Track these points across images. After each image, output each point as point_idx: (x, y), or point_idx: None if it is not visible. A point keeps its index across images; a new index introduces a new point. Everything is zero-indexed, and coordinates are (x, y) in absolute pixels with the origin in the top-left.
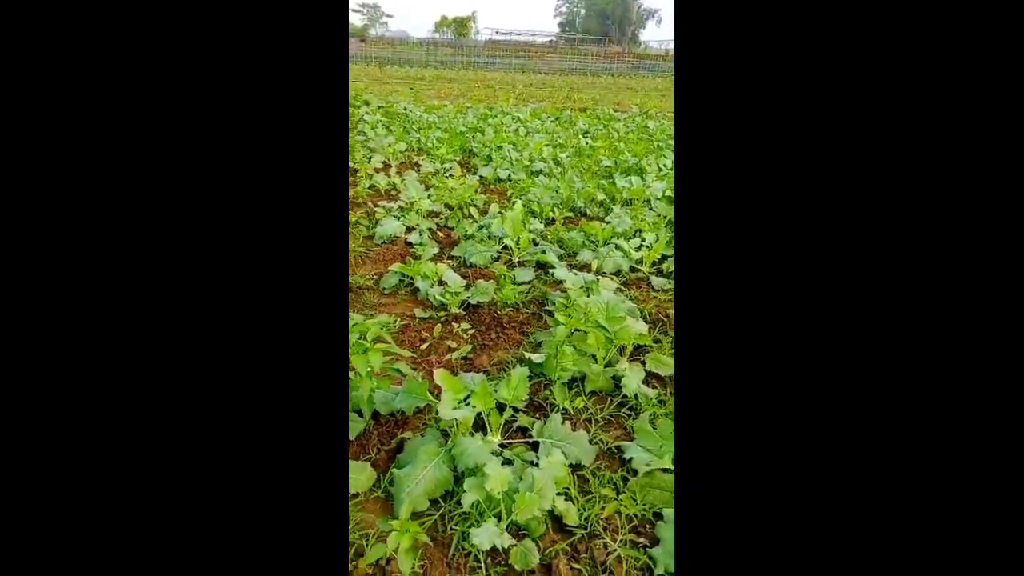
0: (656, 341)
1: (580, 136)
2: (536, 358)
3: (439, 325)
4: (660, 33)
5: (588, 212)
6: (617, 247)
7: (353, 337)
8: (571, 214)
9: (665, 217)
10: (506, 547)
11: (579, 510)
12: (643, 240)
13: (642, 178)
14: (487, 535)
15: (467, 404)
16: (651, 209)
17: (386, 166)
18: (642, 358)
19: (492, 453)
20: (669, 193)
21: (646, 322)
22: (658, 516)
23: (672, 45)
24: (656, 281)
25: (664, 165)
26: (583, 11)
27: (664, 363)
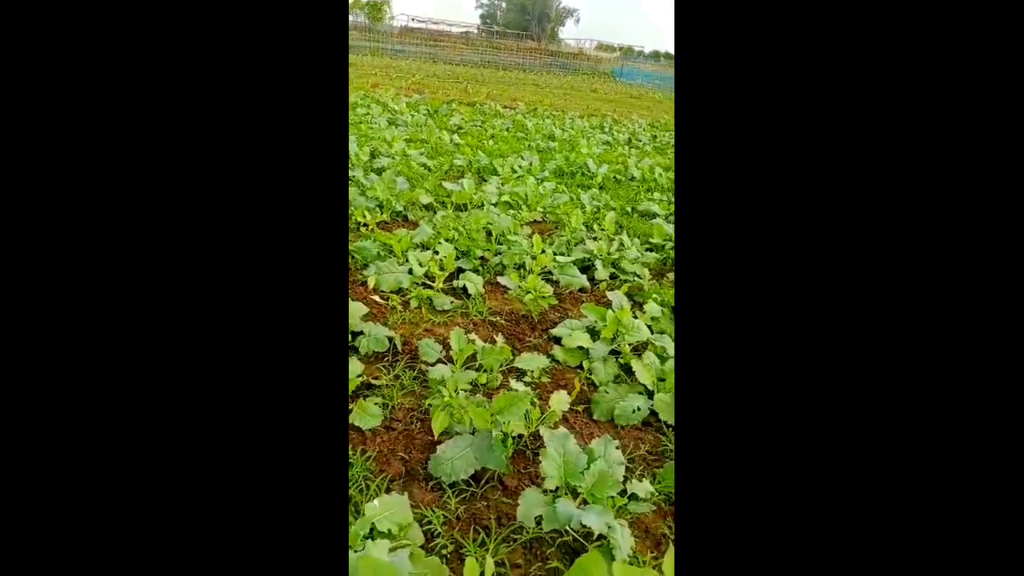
0: (396, 378)
1: (449, 132)
2: None
3: None
4: (578, 31)
5: (410, 216)
6: (406, 260)
7: None
8: (387, 219)
9: (488, 225)
10: None
11: None
12: (436, 252)
13: (483, 179)
14: None
15: None
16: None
17: None
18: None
19: None
20: (507, 198)
21: (396, 353)
22: None
23: (587, 44)
24: (439, 301)
25: (519, 166)
26: (504, 5)
27: (370, 413)
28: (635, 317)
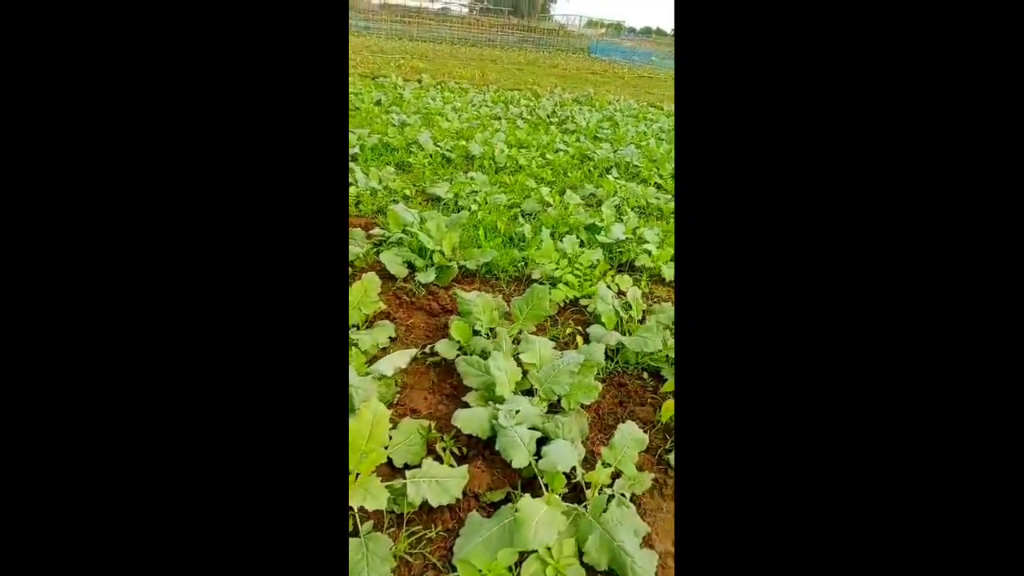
0: None
1: None
2: None
3: None
4: (570, 8)
5: None
6: None
7: None
8: None
9: None
10: None
11: None
12: None
13: None
14: None
15: None
16: None
17: None
18: None
19: None
20: None
21: None
22: None
23: (575, 20)
24: None
25: None
26: None
27: None
28: None
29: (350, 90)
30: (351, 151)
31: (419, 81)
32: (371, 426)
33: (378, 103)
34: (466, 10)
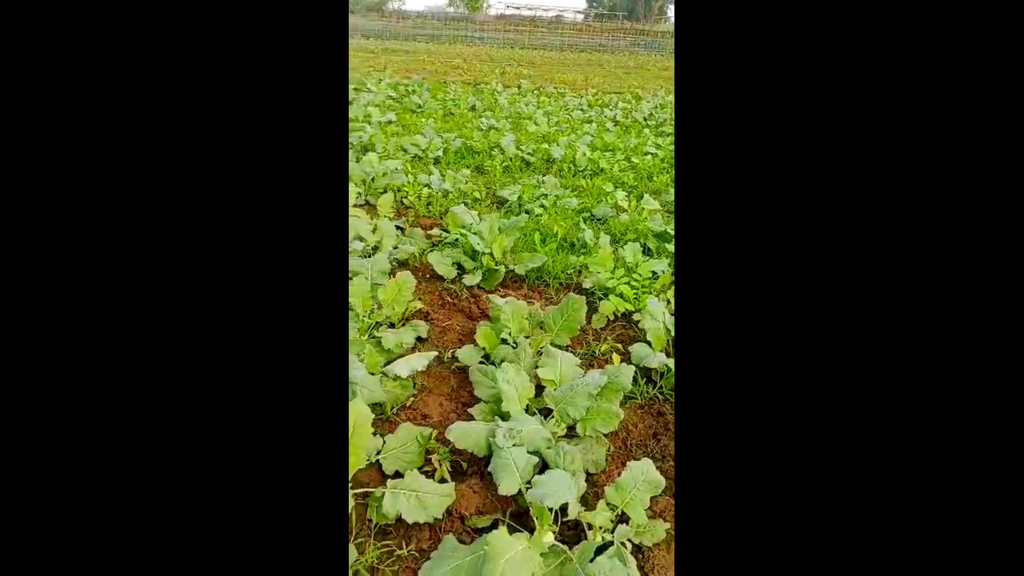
0: None
1: (407, 111)
2: None
3: None
4: None
5: None
6: None
7: None
8: None
9: None
10: None
11: None
12: None
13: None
14: None
15: None
16: None
17: None
18: None
19: None
20: None
21: None
22: None
23: None
24: None
25: (413, 144)
26: None
27: None
28: None
29: (447, 96)
30: (435, 154)
31: (519, 87)
32: (351, 428)
33: (472, 108)
34: (580, 17)
